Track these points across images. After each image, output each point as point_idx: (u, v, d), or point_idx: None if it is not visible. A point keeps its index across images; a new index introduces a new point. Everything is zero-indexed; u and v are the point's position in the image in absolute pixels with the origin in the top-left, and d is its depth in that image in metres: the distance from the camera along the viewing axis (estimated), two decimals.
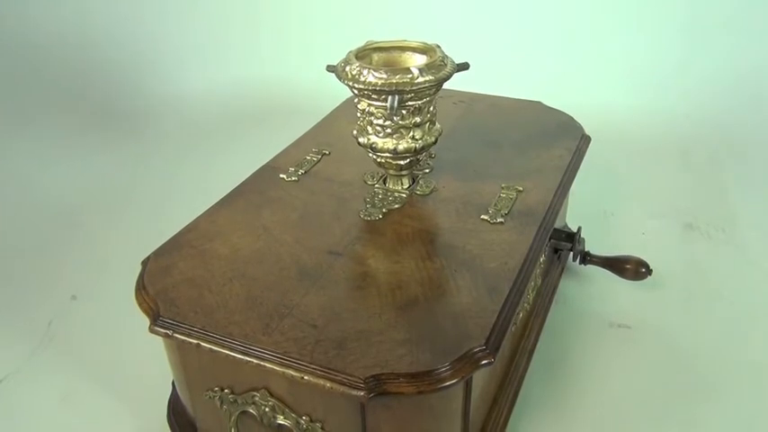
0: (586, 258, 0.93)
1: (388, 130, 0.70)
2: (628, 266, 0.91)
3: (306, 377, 0.52)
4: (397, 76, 0.65)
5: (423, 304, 0.59)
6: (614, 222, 1.14)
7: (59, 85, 1.69)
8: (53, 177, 1.35)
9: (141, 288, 0.62)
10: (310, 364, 0.52)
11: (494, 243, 0.67)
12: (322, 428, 0.57)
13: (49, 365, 0.87)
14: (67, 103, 1.64)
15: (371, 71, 0.65)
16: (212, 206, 0.75)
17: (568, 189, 0.81)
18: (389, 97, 0.65)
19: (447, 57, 0.70)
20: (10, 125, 1.55)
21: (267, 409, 0.59)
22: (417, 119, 0.69)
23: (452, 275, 0.62)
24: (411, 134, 0.70)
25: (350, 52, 0.71)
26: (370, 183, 0.78)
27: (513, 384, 0.75)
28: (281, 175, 0.80)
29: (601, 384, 0.81)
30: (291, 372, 0.52)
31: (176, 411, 0.73)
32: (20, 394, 0.83)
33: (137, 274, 0.64)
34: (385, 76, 0.65)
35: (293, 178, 0.80)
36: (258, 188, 0.78)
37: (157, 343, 0.63)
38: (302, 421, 0.58)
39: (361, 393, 0.50)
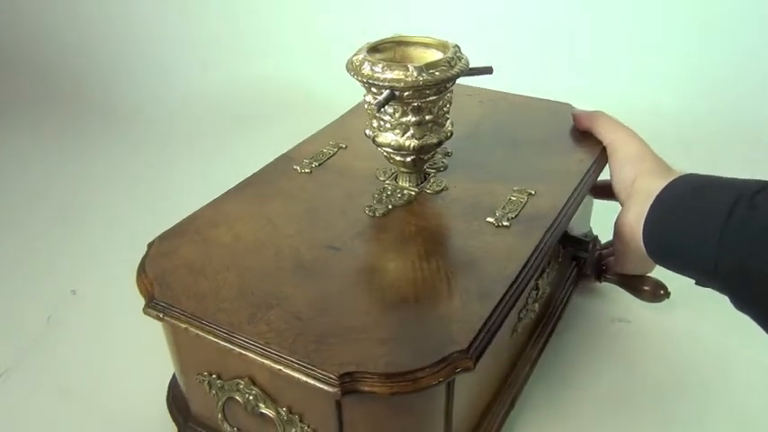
0: (601, 275, 0.90)
1: (388, 126, 0.69)
2: (645, 288, 0.86)
3: (283, 369, 0.52)
4: (394, 73, 0.63)
5: (412, 304, 0.58)
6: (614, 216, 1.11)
7: (60, 81, 1.70)
8: (53, 172, 1.36)
9: (142, 270, 0.64)
10: (288, 356, 0.52)
11: (495, 246, 0.65)
12: (301, 421, 0.57)
13: (49, 360, 0.87)
14: (68, 98, 1.65)
15: (372, 65, 0.65)
16: (222, 194, 0.76)
17: (584, 195, 0.78)
18: (384, 92, 0.63)
19: (459, 58, 0.67)
20: (9, 120, 1.57)
21: (251, 398, 0.59)
22: (416, 118, 0.67)
23: (447, 277, 0.61)
24: (410, 132, 0.68)
25: (367, 43, 0.71)
26: (381, 179, 0.78)
27: (511, 391, 0.74)
28: (295, 167, 0.81)
29: (600, 379, 0.80)
30: (270, 363, 0.53)
31: (175, 396, 0.74)
32: (19, 388, 0.83)
33: (136, 270, 0.64)
34: (379, 70, 0.64)
35: (306, 170, 0.80)
36: (269, 179, 0.79)
37: (157, 337, 0.64)
38: (282, 412, 0.58)
39: (334, 390, 0.50)
